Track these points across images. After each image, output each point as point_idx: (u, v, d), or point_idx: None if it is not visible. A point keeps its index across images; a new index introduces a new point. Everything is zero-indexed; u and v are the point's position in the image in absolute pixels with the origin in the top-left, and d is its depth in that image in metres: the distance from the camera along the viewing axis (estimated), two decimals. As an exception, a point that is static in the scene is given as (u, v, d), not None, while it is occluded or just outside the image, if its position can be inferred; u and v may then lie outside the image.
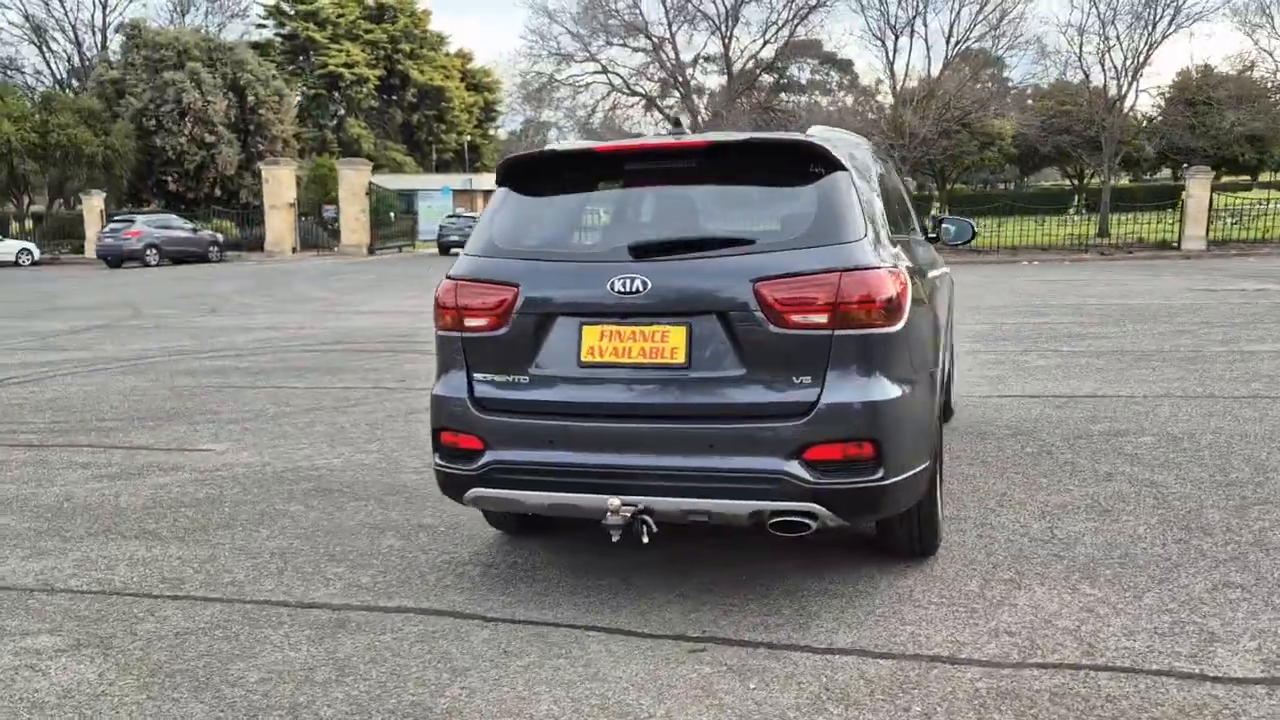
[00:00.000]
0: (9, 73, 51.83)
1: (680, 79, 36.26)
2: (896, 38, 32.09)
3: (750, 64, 37.20)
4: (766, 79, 38.76)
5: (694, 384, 3.46)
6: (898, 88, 32.83)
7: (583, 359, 3.55)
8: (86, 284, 25.33)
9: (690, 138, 3.78)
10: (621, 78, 37.08)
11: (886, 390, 3.43)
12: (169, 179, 39.40)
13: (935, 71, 32.60)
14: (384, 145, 53.78)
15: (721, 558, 4.17)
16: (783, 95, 39.55)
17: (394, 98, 56.44)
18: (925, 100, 30.99)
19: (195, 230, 33.85)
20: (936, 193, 51.63)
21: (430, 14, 56.89)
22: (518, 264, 3.68)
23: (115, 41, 46.75)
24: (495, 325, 3.65)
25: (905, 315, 3.52)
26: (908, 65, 45.65)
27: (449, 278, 3.80)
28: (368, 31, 53.71)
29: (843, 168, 3.61)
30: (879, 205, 3.86)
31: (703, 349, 3.44)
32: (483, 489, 3.69)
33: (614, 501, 3.41)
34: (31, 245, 35.79)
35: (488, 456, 3.66)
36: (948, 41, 31.46)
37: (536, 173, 3.86)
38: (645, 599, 3.81)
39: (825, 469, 3.38)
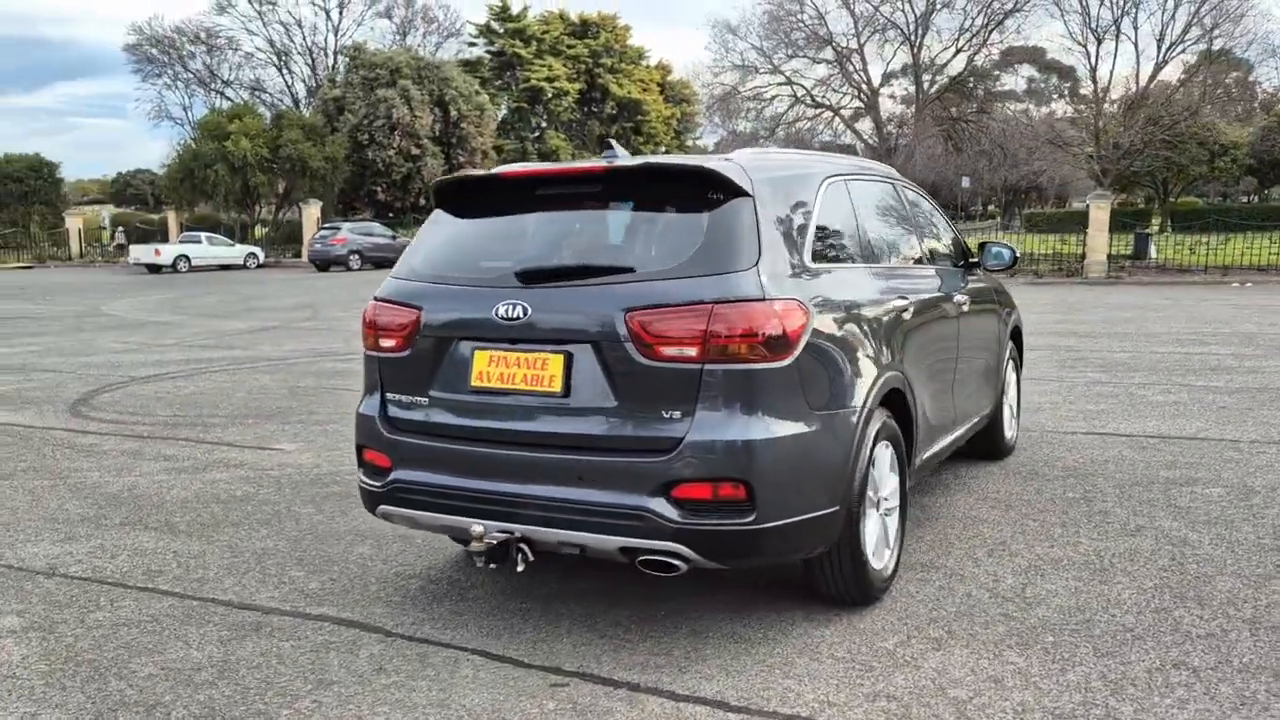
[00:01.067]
0: (257, 94, 56.99)
1: (866, 90, 35.41)
2: (1099, 42, 30.04)
3: (941, 74, 35.86)
4: (957, 86, 37.15)
5: (570, 413, 3.42)
6: (1102, 95, 30.69)
7: (473, 383, 3.58)
8: (289, 286, 27.45)
9: (593, 163, 3.72)
10: (805, 89, 36.60)
11: (765, 429, 3.26)
12: (378, 189, 42.14)
13: (1145, 78, 30.23)
14: (582, 156, 55.34)
15: (657, 593, 4.07)
16: (978, 104, 37.79)
17: (593, 110, 58.04)
18: (1132, 109, 28.80)
19: (394, 237, 36.01)
20: (1157, 207, 47.94)
21: (631, 29, 58.22)
22: (422, 286, 3.75)
23: (341, 63, 50.50)
24: (401, 346, 3.73)
25: (798, 350, 3.34)
26: (1111, 72, 42.64)
27: (373, 298, 3.91)
28: (570, 47, 55.52)
29: (744, 194, 3.46)
30: (802, 233, 3.66)
31: (579, 378, 3.39)
32: (389, 506, 3.78)
33: (477, 529, 3.42)
34: (258, 250, 39.20)
35: (393, 475, 3.75)
36: (1159, 45, 29.15)
37: (460, 196, 3.91)
38: (552, 627, 3.79)
39: (694, 508, 3.25)
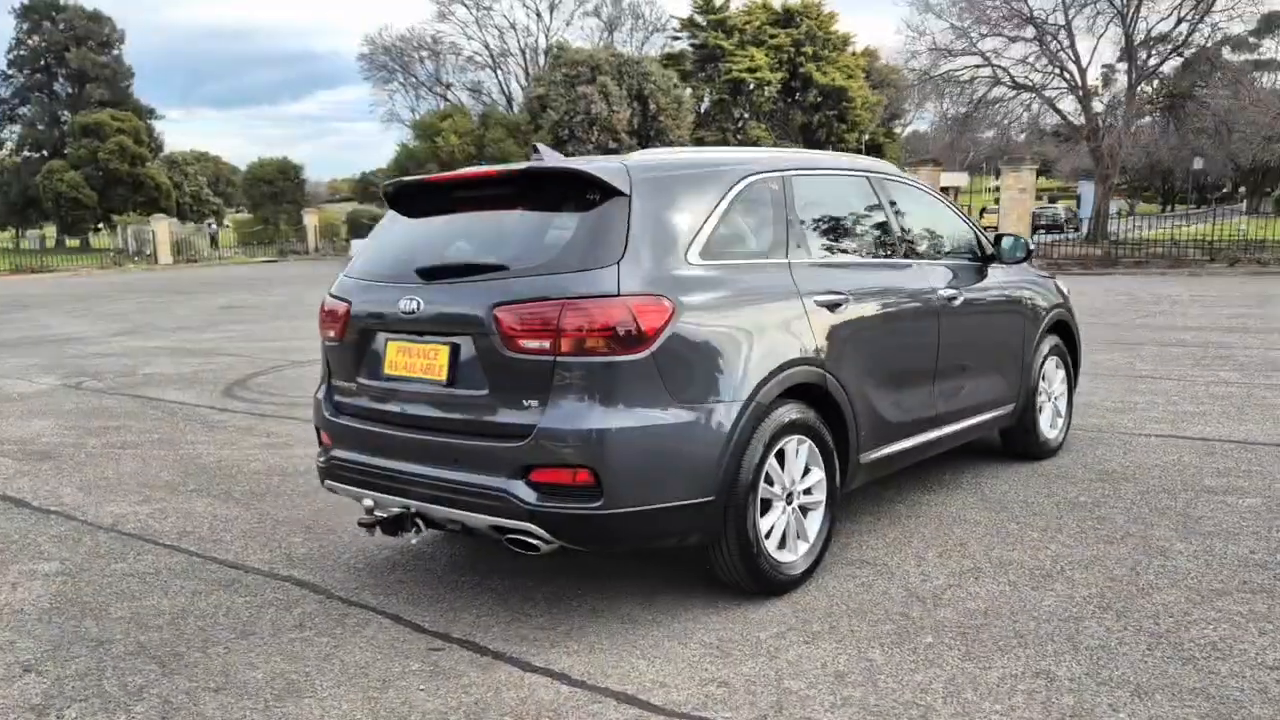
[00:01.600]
0: (477, 96, 60.25)
1: (1073, 68, 33.25)
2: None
3: (1159, 46, 33.10)
4: (1178, 58, 34.15)
5: (452, 400, 3.71)
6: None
7: (385, 371, 3.93)
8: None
9: (492, 168, 3.97)
10: (1004, 70, 34.76)
11: (613, 419, 3.43)
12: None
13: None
14: (783, 145, 54.99)
15: (588, 577, 4.28)
16: (1202, 77, 34.53)
17: (795, 99, 57.41)
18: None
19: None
20: None
21: (836, 16, 57.13)
22: (353, 282, 4.13)
23: (545, 62, 52.55)
24: (339, 336, 4.13)
25: (655, 345, 3.48)
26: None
27: (326, 292, 4.34)
28: (772, 36, 55.15)
29: (619, 194, 3.63)
30: (692, 230, 3.77)
31: (461, 368, 3.67)
32: (329, 480, 4.20)
33: (368, 502, 3.78)
34: (464, 243, 41.55)
35: (332, 452, 4.17)
36: None
37: (401, 198, 4.25)
38: (470, 600, 4.08)
39: (548, 492, 3.47)
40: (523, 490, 3.48)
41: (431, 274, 3.81)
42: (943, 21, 34.79)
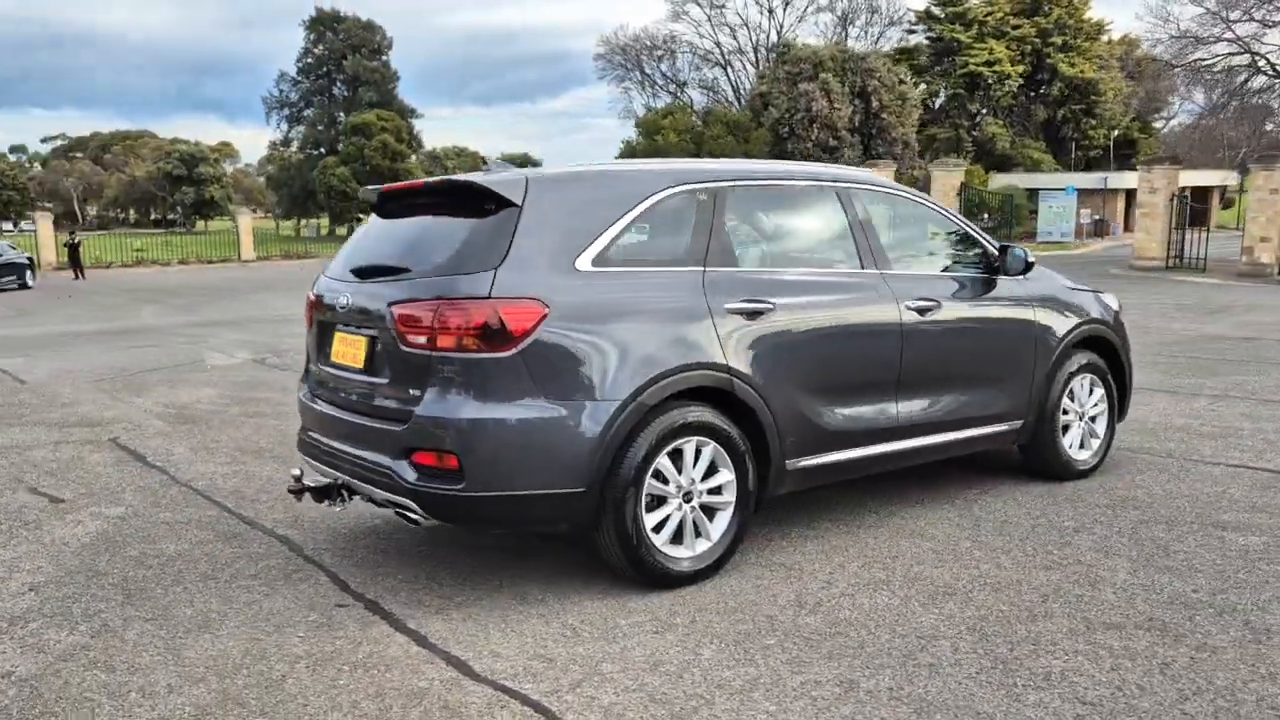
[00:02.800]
0: (711, 94, 61.17)
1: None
2: None
3: None
4: None
5: (366, 387, 4.17)
6: None
7: (332, 358, 4.44)
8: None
9: (421, 180, 4.36)
10: (1261, 55, 31.37)
11: (477, 410, 3.77)
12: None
13: None
14: (1021, 143, 52.20)
15: (526, 556, 4.65)
16: None
17: (1038, 93, 54.31)
18: None
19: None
20: None
21: (1089, 2, 53.42)
22: (322, 279, 4.67)
23: (770, 59, 52.51)
24: (310, 326, 4.70)
25: (524, 344, 3.78)
26: None
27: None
28: (1015, 27, 52.35)
29: (510, 204, 3.95)
30: (586, 238, 4.02)
31: (375, 358, 4.12)
32: (300, 453, 4.77)
33: (295, 471, 4.29)
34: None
35: (302, 427, 4.74)
36: None
37: (377, 203, 4.73)
38: (408, 569, 4.52)
39: (424, 472, 3.86)
40: (406, 470, 3.89)
41: (361, 273, 4.28)
42: (1192, 6, 31.88)
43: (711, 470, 4.26)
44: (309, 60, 75.97)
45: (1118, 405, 6.00)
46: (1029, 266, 5.38)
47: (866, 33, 57.62)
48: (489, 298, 3.78)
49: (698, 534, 4.25)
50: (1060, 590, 4.08)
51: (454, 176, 4.19)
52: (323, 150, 74.36)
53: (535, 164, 62.18)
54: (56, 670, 3.54)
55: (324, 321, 4.55)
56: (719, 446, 4.23)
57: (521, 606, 4.04)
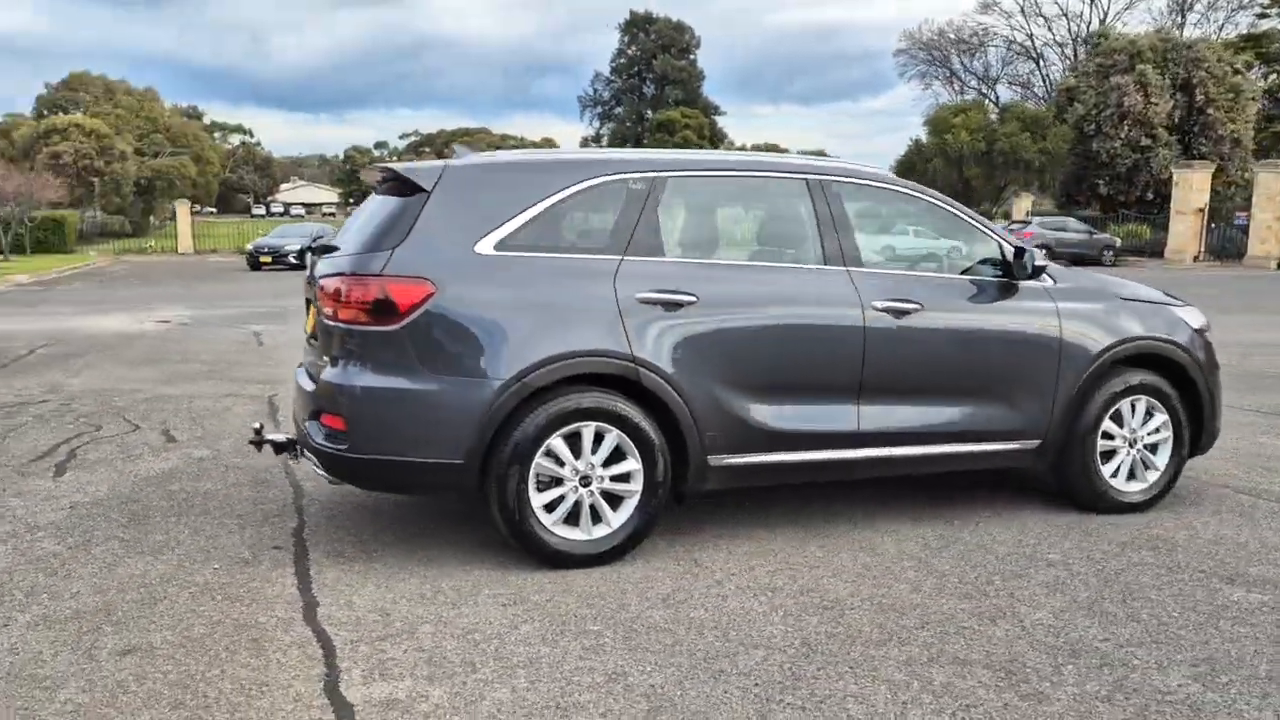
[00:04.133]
0: (1021, 89, 57.69)
1: None
2: None
3: None
4: None
5: (312, 354, 4.59)
6: None
7: (306, 329, 4.91)
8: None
9: (386, 165, 4.65)
10: None
11: (361, 379, 4.08)
12: (1100, 182, 39.90)
13: None
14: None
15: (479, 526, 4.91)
16: None
17: None
18: None
19: (1091, 234, 34.13)
20: None
21: None
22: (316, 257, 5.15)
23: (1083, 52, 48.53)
24: (306, 298, 5.21)
25: (408, 319, 4.04)
26: None
27: None
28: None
29: (420, 190, 4.21)
30: (488, 223, 4.19)
31: (316, 329, 4.53)
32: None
33: (256, 425, 4.79)
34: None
35: (301, 389, 5.28)
36: None
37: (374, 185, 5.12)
38: (368, 527, 4.92)
39: (324, 433, 4.23)
40: (315, 429, 4.28)
41: (325, 251, 4.71)
42: None
43: (619, 458, 4.30)
44: (622, 60, 79.64)
45: (1188, 436, 5.27)
46: (1037, 271, 4.88)
47: (1208, 18, 51.86)
48: (380, 275, 4.07)
49: (597, 519, 4.30)
50: (949, 621, 3.76)
51: (393, 164, 4.51)
52: (629, 146, 77.74)
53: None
54: (23, 568, 4.24)
55: (308, 298, 5.03)
56: (624, 435, 4.26)
57: (419, 568, 4.29)
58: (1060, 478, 5.17)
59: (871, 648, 3.51)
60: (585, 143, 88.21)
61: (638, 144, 75.34)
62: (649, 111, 77.62)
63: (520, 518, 4.16)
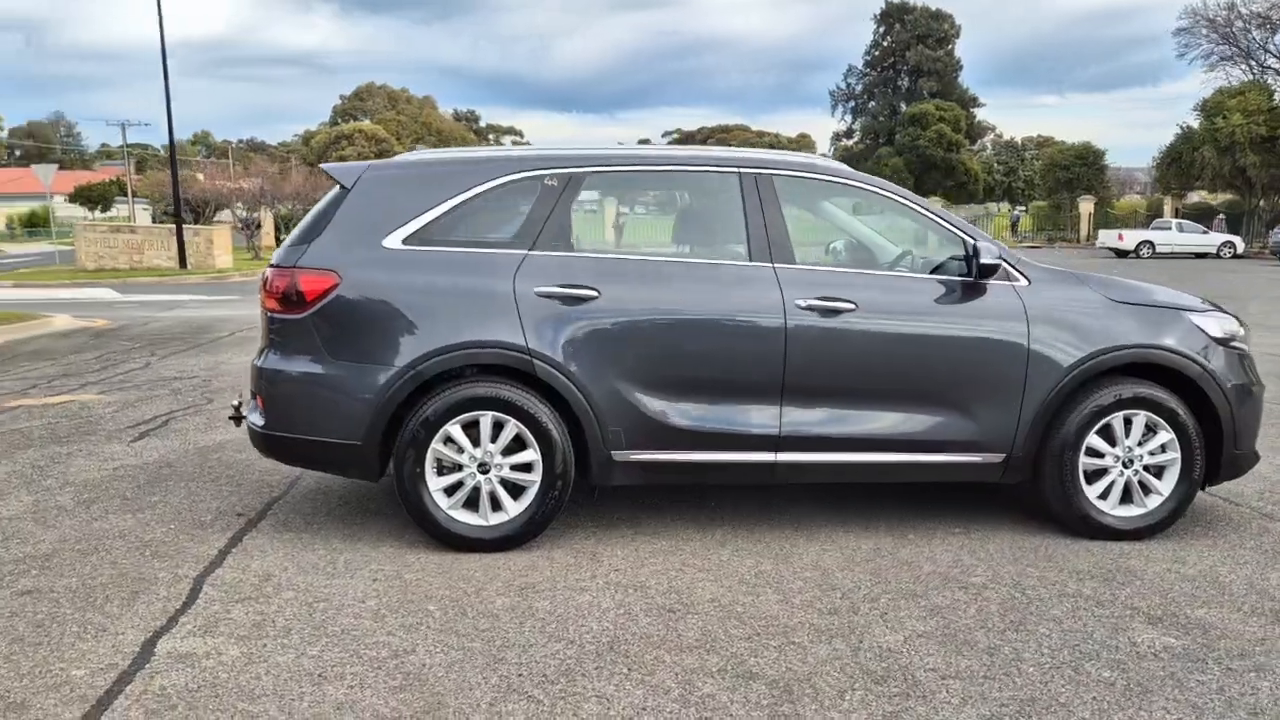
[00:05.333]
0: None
1: None
2: None
3: None
4: None
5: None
6: None
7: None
8: (1244, 279, 25.36)
9: (324, 165, 4.94)
10: None
11: (276, 362, 4.42)
12: None
13: None
14: None
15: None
16: None
17: None
18: None
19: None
20: None
21: None
22: None
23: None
24: None
25: (314, 309, 4.33)
26: None
27: None
28: None
29: (343, 188, 4.50)
30: (398, 220, 4.40)
31: None
32: None
33: (235, 401, 5.23)
34: (1235, 239, 36.46)
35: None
36: None
37: None
38: (335, 501, 5.31)
39: (255, 411, 4.61)
40: (251, 408, 4.68)
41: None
42: None
43: (521, 447, 4.40)
44: (875, 53, 77.59)
45: (1203, 460, 4.66)
46: (984, 270, 4.48)
47: None
48: (295, 267, 4.39)
49: (497, 506, 4.43)
50: (781, 634, 3.59)
51: (329, 164, 4.82)
52: (880, 141, 75.67)
53: (1098, 153, 56.51)
54: (22, 516, 4.92)
55: None
56: (522, 425, 4.36)
57: (339, 543, 4.57)
58: (1040, 497, 4.73)
59: (672, 653, 3.43)
60: (836, 138, 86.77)
61: (890, 138, 73.20)
62: (902, 104, 75.17)
63: (417, 500, 4.36)
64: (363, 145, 62.14)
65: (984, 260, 4.46)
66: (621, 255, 4.58)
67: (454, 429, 4.35)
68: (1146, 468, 4.67)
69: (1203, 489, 4.92)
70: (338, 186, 4.58)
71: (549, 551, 4.44)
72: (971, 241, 4.59)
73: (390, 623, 3.67)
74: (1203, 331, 4.68)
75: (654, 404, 4.42)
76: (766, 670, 3.30)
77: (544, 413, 4.35)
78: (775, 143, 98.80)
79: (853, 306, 4.47)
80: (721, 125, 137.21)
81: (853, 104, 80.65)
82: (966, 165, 68.36)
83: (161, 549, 4.47)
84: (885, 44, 77.18)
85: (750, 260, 4.53)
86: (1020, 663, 3.37)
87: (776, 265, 4.51)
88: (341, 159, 60.72)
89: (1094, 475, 4.65)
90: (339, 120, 74.91)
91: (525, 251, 4.45)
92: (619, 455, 4.43)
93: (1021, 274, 4.65)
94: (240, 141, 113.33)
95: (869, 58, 78.51)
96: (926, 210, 4.76)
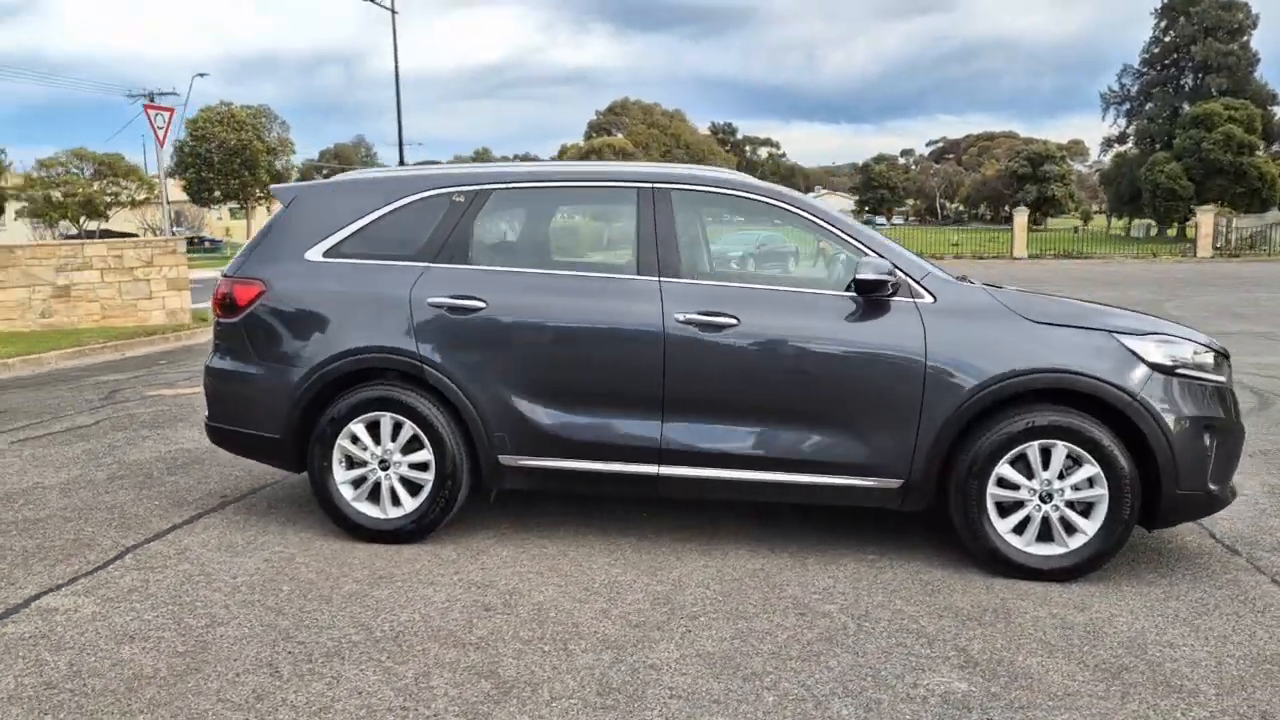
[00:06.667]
0: None
1: None
2: None
3: None
4: None
5: None
6: None
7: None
8: None
9: (271, 186, 5.40)
10: None
11: (217, 361, 4.95)
12: None
13: None
14: None
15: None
16: None
17: None
18: None
19: None
20: None
21: None
22: None
23: None
24: None
25: (244, 314, 4.82)
26: None
27: None
28: None
29: (285, 205, 4.97)
30: (320, 234, 4.79)
31: None
32: None
33: None
34: None
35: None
36: None
37: None
38: (294, 497, 5.82)
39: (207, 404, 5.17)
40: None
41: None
42: None
43: (420, 447, 4.68)
44: (1155, 50, 71.51)
45: (1135, 499, 4.21)
46: (861, 287, 4.25)
47: None
48: (232, 276, 4.90)
49: (396, 501, 4.73)
50: (562, 640, 3.64)
51: (276, 185, 5.27)
52: (1156, 145, 69.59)
53: None
54: (36, 490, 5.75)
55: None
56: (417, 426, 4.64)
57: (274, 527, 4.99)
58: (952, 528, 4.45)
59: (443, 647, 3.57)
60: (1108, 142, 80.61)
61: (1167, 142, 67.14)
62: (1184, 105, 68.71)
63: (325, 491, 4.74)
64: (610, 159, 64.64)
65: (860, 276, 4.27)
66: (512, 269, 4.73)
67: (358, 427, 4.69)
68: (1071, 504, 4.28)
69: (1150, 530, 4.44)
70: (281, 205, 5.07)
71: (440, 548, 4.68)
72: (863, 257, 4.40)
73: (237, 597, 4.05)
74: (1136, 356, 4.24)
75: (538, 412, 4.56)
76: (507, 672, 3.39)
77: (436, 416, 4.60)
78: (1043, 150, 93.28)
79: (734, 322, 4.41)
80: (987, 133, 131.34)
81: (1127, 106, 74.84)
82: (1260, 169, 61.43)
83: (129, 522, 5.11)
84: (1167, 40, 71.06)
85: (637, 274, 4.57)
86: (760, 691, 3.26)
87: (662, 279, 4.53)
88: (590, 173, 63.79)
89: (1010, 508, 4.32)
90: (593, 134, 78.25)
91: (427, 264, 4.72)
92: (506, 460, 4.61)
93: (927, 290, 4.40)
94: (515, 157, 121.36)
95: (1147, 56, 72.59)
96: (827, 222, 4.60)
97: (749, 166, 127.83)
